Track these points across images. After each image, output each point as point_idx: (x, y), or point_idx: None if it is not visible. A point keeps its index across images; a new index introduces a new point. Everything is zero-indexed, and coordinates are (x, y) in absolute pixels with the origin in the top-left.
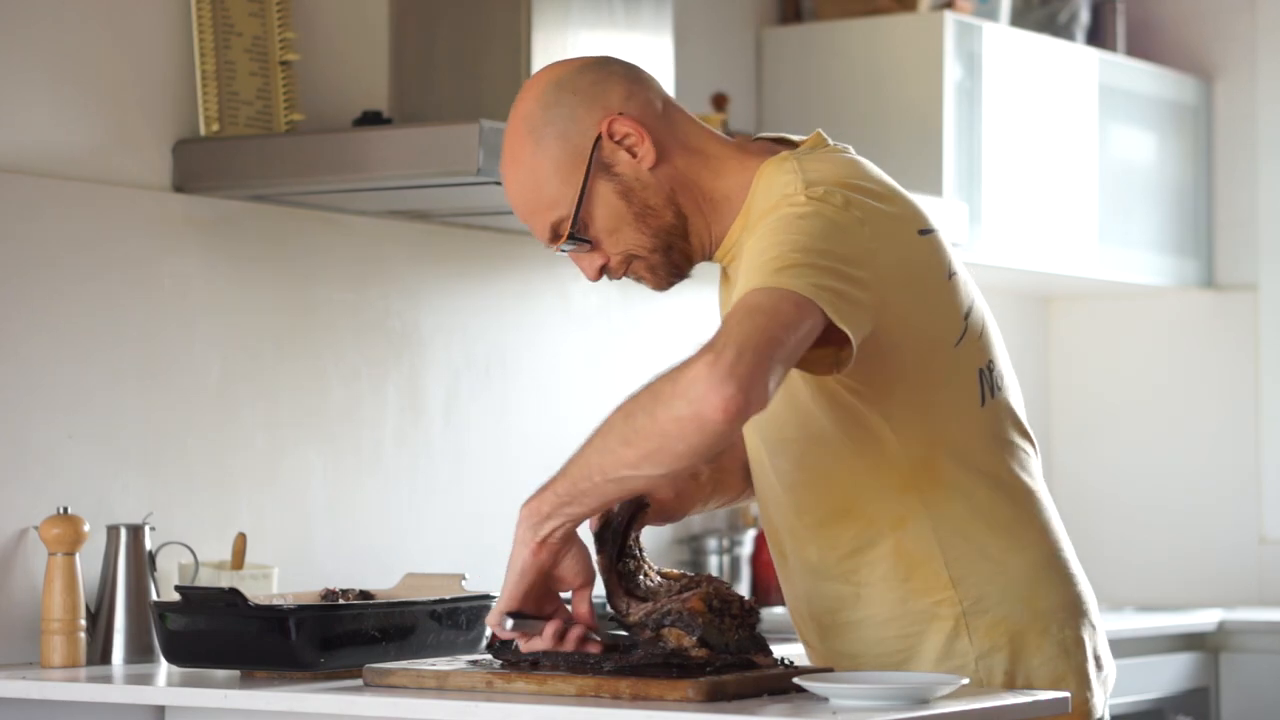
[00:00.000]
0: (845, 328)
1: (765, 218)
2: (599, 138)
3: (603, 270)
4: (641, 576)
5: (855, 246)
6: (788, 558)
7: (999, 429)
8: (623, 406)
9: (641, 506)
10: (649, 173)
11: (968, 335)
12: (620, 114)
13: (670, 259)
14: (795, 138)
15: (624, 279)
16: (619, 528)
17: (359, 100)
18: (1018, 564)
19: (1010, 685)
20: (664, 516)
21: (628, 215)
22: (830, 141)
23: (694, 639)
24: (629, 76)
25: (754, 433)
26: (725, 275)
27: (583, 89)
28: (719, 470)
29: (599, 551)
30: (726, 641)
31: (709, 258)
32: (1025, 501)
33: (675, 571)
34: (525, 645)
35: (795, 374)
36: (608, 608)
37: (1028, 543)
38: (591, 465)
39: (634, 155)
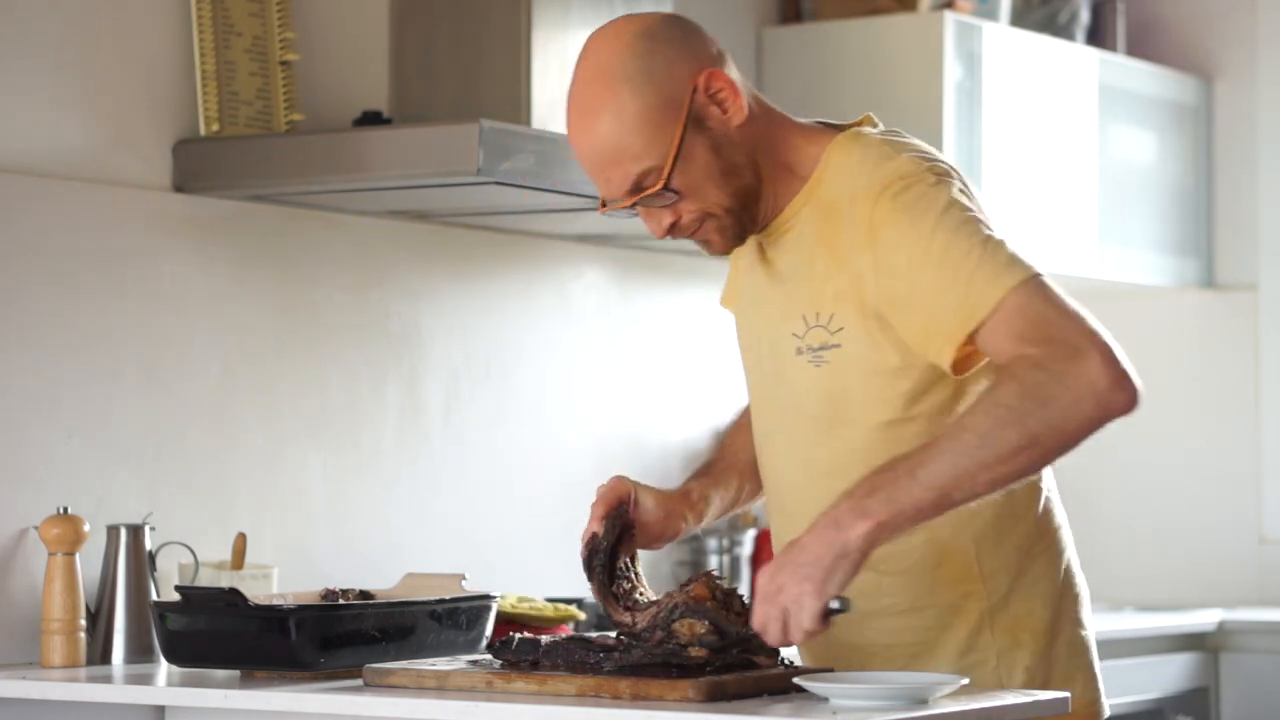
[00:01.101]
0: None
1: (875, 199)
2: (694, 90)
3: (672, 227)
4: (638, 595)
5: (973, 202)
6: None
7: None
8: (988, 415)
9: (626, 529)
10: (736, 130)
11: None
12: (713, 66)
13: (740, 221)
14: (836, 123)
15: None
16: (605, 552)
17: (359, 100)
18: (1043, 561)
19: (1031, 683)
20: (651, 539)
21: (714, 171)
22: (880, 125)
23: (706, 624)
24: (710, 36)
25: (799, 412)
26: (762, 253)
27: (676, 40)
28: (715, 477)
29: (589, 578)
30: (736, 630)
31: (763, 227)
32: (1050, 499)
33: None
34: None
35: (897, 359)
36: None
37: (1051, 540)
38: (961, 476)
39: (724, 111)
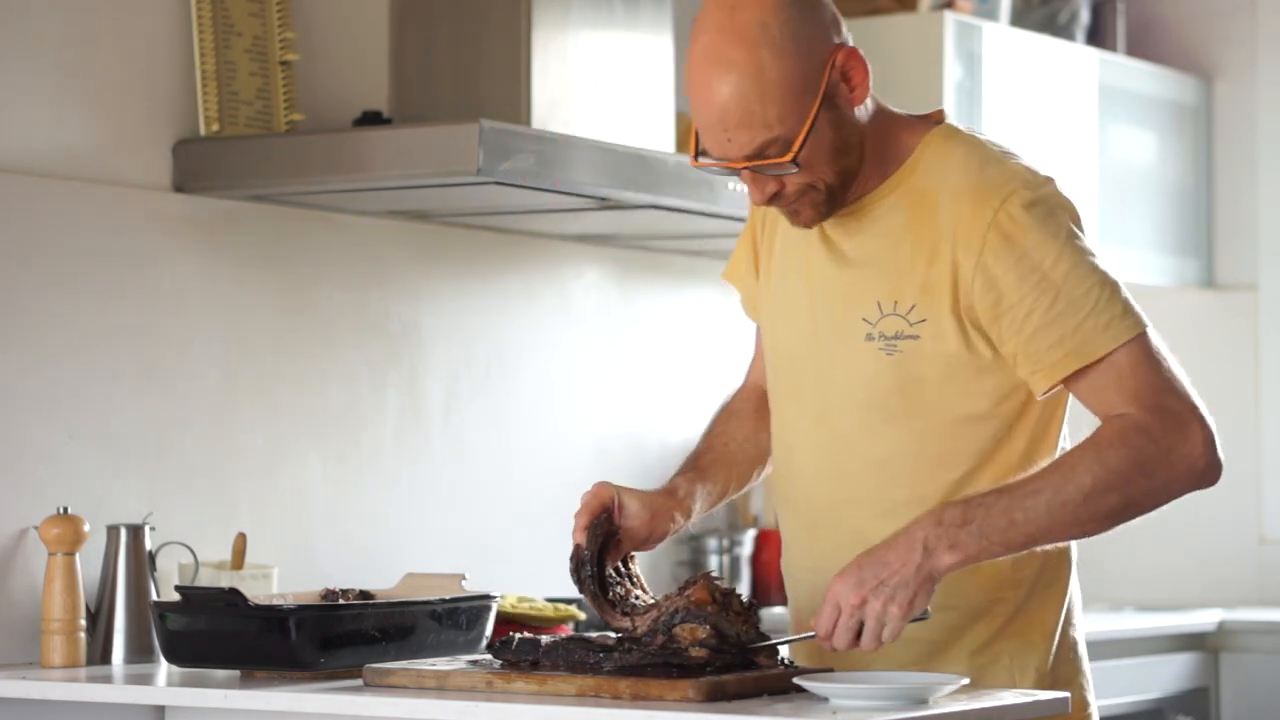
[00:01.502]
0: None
1: (991, 203)
2: (831, 65)
3: (774, 196)
4: (635, 599)
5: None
6: (824, 536)
7: (1060, 429)
8: (1094, 475)
9: (610, 535)
10: (852, 111)
11: None
12: (848, 45)
13: (834, 198)
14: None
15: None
16: (591, 562)
17: (359, 100)
18: (1055, 564)
19: (1040, 683)
20: (638, 542)
21: (832, 149)
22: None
23: (707, 628)
24: (834, 6)
25: (851, 398)
26: (823, 232)
27: (819, 9)
28: (702, 471)
29: (581, 590)
30: (737, 632)
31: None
32: None
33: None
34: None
35: (986, 356)
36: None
37: (1066, 545)
38: (1054, 526)
39: (851, 90)
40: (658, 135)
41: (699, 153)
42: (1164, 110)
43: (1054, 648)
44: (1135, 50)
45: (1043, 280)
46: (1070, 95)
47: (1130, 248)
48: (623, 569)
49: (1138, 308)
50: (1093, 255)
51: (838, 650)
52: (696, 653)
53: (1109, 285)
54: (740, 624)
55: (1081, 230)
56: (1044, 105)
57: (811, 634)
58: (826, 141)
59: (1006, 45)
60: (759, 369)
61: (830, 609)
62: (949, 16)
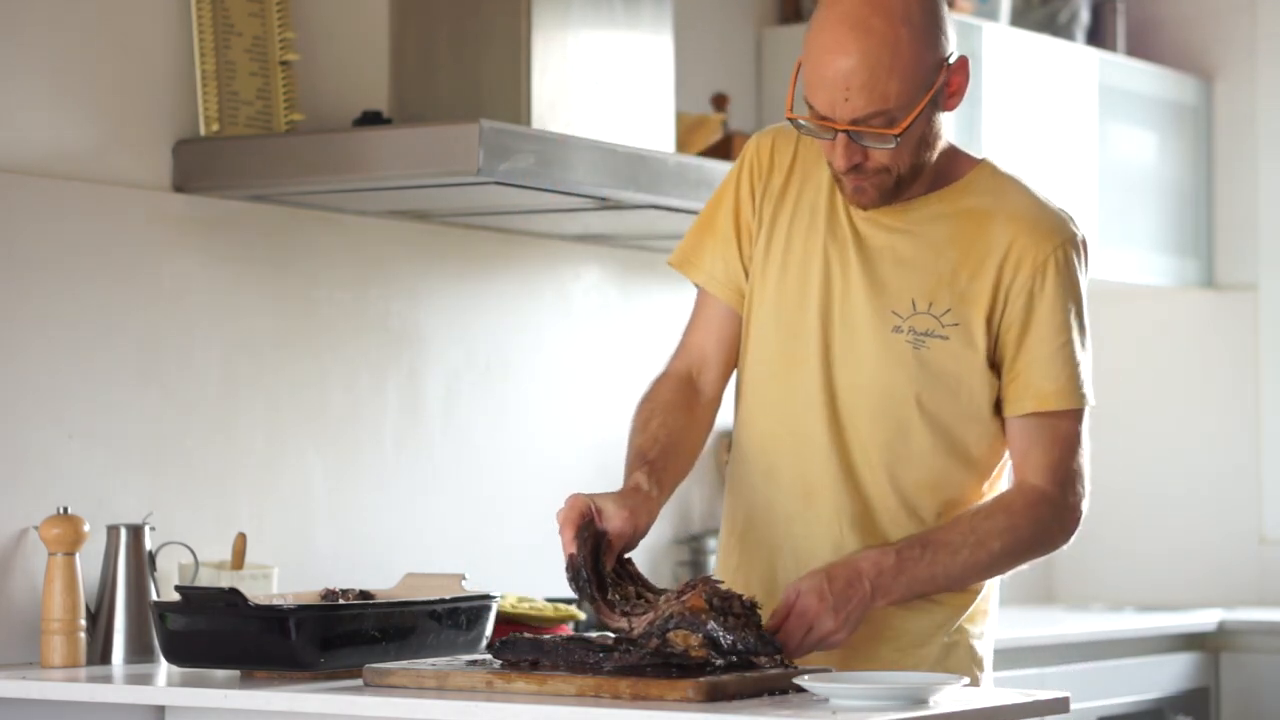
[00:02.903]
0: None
1: (1038, 238)
2: (948, 65)
3: (855, 167)
4: (636, 599)
5: None
6: (823, 504)
7: None
8: (1004, 542)
9: (599, 538)
10: (940, 116)
11: None
12: (963, 56)
13: (900, 188)
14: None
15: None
16: (587, 567)
17: (359, 100)
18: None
19: (983, 663)
20: (625, 540)
21: (918, 140)
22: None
23: (700, 637)
24: None
25: (863, 381)
26: (855, 229)
27: (945, 13)
28: (655, 464)
29: (582, 598)
30: (733, 640)
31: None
32: None
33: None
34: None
35: (991, 368)
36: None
37: None
38: (962, 579)
39: (950, 95)
40: (658, 135)
41: (794, 105)
42: (1164, 110)
43: (988, 630)
44: (1135, 50)
45: (1067, 321)
46: (1070, 95)
47: (1130, 248)
48: (621, 570)
49: (1089, 383)
50: (1086, 323)
51: (788, 653)
52: (697, 652)
53: (1084, 355)
54: (740, 627)
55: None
56: (1044, 105)
57: (774, 644)
58: (919, 133)
59: (1006, 45)
60: (705, 334)
61: (803, 626)
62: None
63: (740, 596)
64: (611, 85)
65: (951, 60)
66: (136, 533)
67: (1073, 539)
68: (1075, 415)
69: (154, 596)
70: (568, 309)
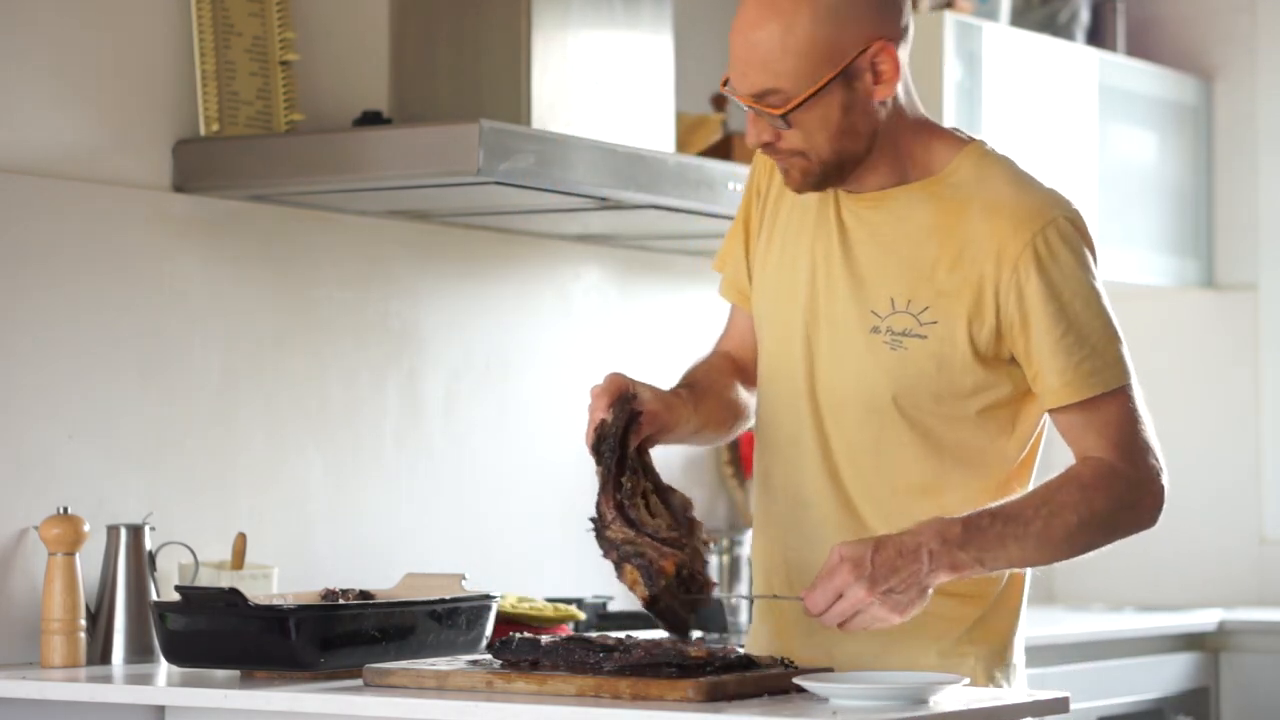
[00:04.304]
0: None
1: (1032, 226)
2: (863, 51)
3: (766, 145)
4: (639, 499)
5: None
6: (812, 516)
7: (1039, 449)
8: (1079, 516)
9: (634, 415)
10: (875, 104)
11: None
12: (890, 41)
13: (827, 176)
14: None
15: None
16: (615, 437)
17: (359, 100)
18: (1017, 580)
19: (996, 684)
20: (657, 426)
21: (833, 127)
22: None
23: (646, 593)
24: (908, 12)
25: (842, 386)
26: (841, 222)
27: (885, 4)
28: (696, 393)
29: (598, 463)
30: (672, 609)
31: (845, 188)
32: None
33: (679, 502)
34: None
35: (970, 358)
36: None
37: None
38: (1037, 556)
39: (876, 82)
40: (658, 135)
41: (727, 81)
42: (1164, 110)
43: (1010, 656)
44: (1135, 50)
45: (1062, 309)
46: (1070, 95)
47: (1130, 248)
48: (638, 460)
49: (1129, 360)
50: (1104, 296)
51: (821, 621)
52: (696, 652)
53: (1111, 330)
54: (684, 608)
55: (1097, 264)
56: (1044, 105)
57: (798, 598)
58: (827, 117)
59: (1006, 45)
60: (731, 340)
61: (832, 592)
62: (949, 16)
63: (707, 583)
64: (611, 85)
65: (873, 45)
66: (136, 533)
67: (1158, 519)
68: (1115, 395)
69: (154, 596)
70: (568, 309)
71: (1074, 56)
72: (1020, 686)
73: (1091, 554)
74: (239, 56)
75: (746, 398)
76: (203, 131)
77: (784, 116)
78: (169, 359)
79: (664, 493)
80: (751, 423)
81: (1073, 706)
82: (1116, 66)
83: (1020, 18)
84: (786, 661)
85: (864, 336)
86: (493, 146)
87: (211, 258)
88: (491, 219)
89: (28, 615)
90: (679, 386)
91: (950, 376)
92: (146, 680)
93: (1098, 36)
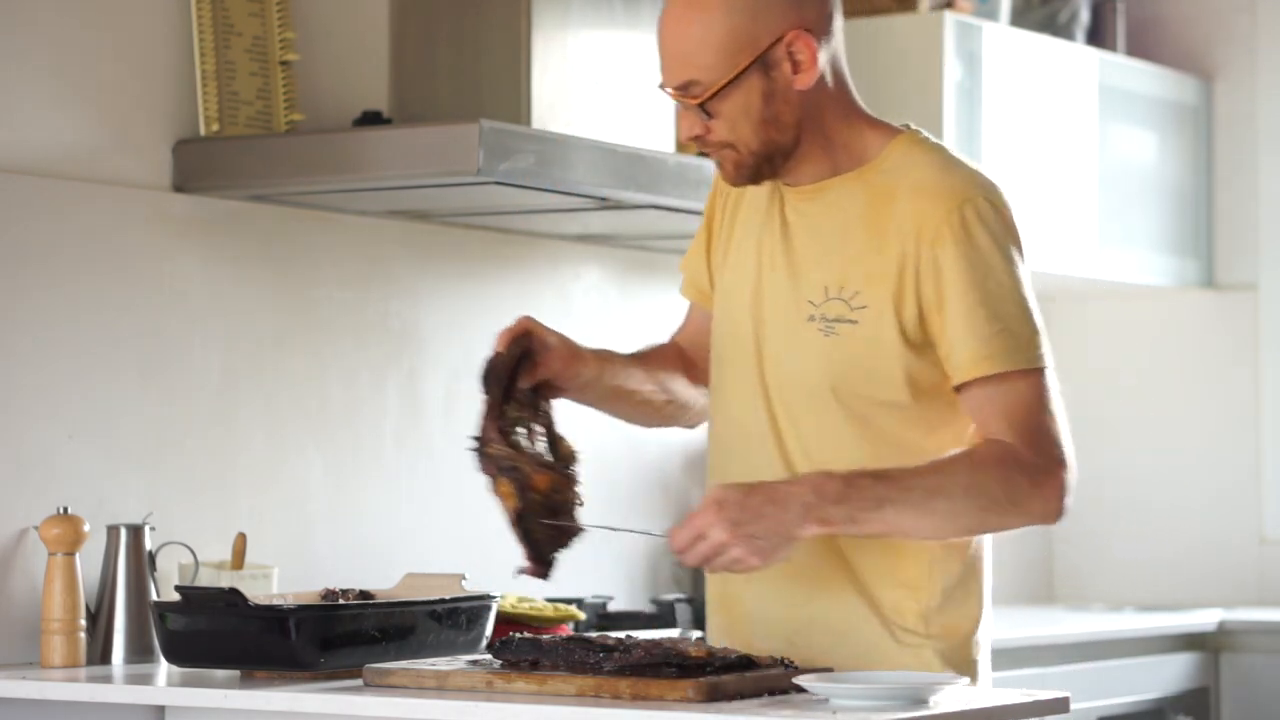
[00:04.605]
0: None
1: (951, 203)
2: (779, 40)
3: (696, 139)
4: (523, 429)
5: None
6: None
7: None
8: (965, 491)
9: (528, 353)
10: (796, 93)
11: None
12: (808, 31)
13: (759, 168)
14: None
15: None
16: (504, 372)
17: (359, 100)
18: (969, 577)
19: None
20: (554, 372)
21: (756, 115)
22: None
23: (517, 504)
24: (832, 2)
25: (790, 378)
26: (783, 217)
27: None
28: (629, 362)
29: (485, 392)
30: (534, 533)
31: (785, 181)
32: None
33: (565, 450)
34: None
35: (902, 343)
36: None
37: (978, 559)
38: (916, 528)
39: (795, 71)
40: (658, 135)
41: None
42: (1164, 110)
43: (973, 653)
44: (1135, 50)
45: (976, 285)
46: (1070, 95)
47: (1130, 248)
48: (536, 402)
49: (1047, 348)
50: (1025, 282)
51: (683, 560)
52: (697, 652)
53: (1028, 314)
54: (544, 531)
55: (1022, 256)
56: (1044, 105)
57: (660, 535)
58: (749, 106)
59: (1006, 45)
60: (684, 335)
61: (693, 532)
62: (949, 16)
63: (570, 523)
64: (611, 85)
65: (788, 34)
66: (136, 533)
67: (1062, 512)
68: (1027, 376)
69: (154, 596)
70: (568, 309)
71: (1074, 56)
72: (984, 686)
73: (990, 534)
74: (239, 56)
75: (686, 388)
76: (203, 131)
77: (704, 106)
78: (169, 359)
79: (554, 440)
80: (692, 417)
81: (1073, 706)
82: (1116, 66)
83: (1020, 18)
84: (786, 661)
85: (802, 325)
86: (493, 146)
87: (211, 258)
88: (491, 219)
89: (28, 615)
90: (605, 349)
91: (882, 363)
92: (146, 680)
93: (1098, 36)
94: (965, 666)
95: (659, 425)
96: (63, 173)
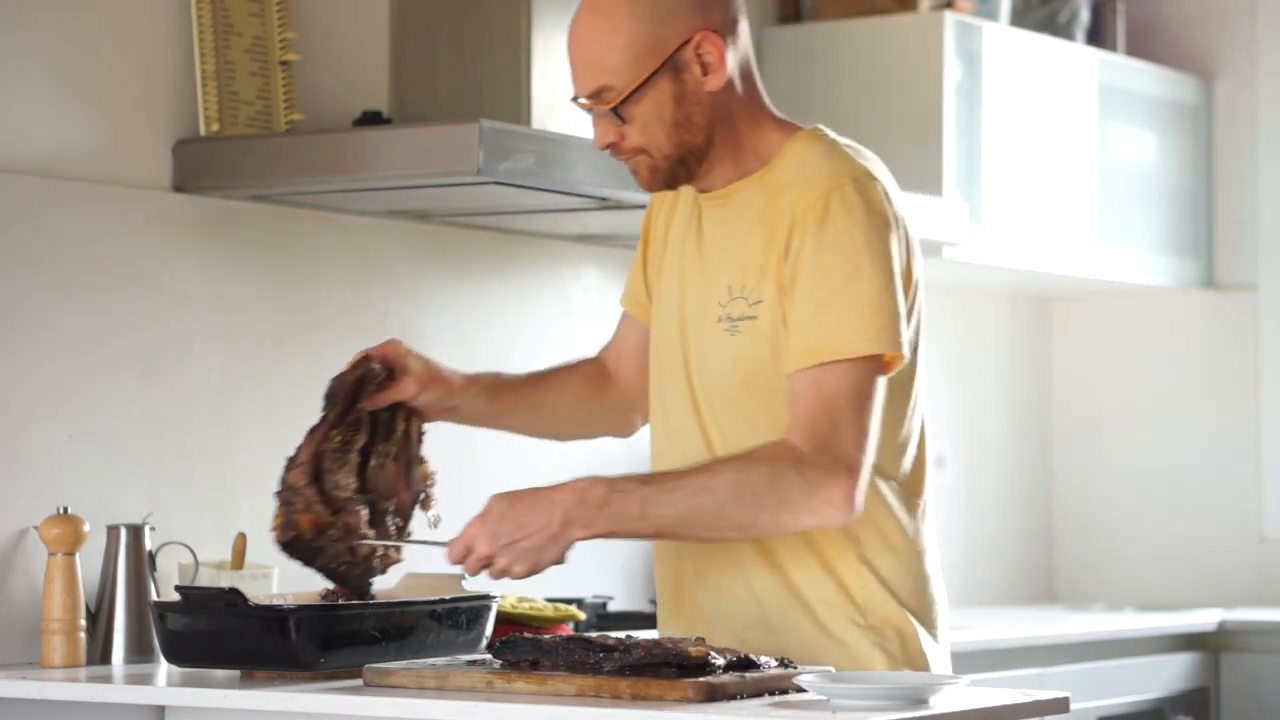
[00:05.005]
0: (905, 356)
1: (825, 192)
2: (686, 42)
3: (611, 145)
4: (354, 456)
5: (899, 255)
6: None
7: (910, 421)
8: (731, 488)
9: (371, 375)
10: (707, 94)
11: (919, 341)
12: (714, 33)
13: (674, 171)
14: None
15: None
16: (343, 395)
17: (359, 100)
18: (900, 577)
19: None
20: (408, 393)
21: (668, 118)
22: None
23: (276, 537)
24: (736, 6)
25: (707, 379)
26: (699, 224)
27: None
28: (513, 387)
29: (322, 411)
30: (312, 561)
31: (700, 188)
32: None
33: (415, 479)
34: None
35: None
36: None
37: (913, 561)
38: (683, 528)
39: (704, 73)
40: None
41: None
42: (1164, 110)
43: (919, 645)
44: (1135, 50)
45: (824, 275)
46: (1070, 95)
47: (1130, 248)
48: (391, 424)
49: (898, 336)
50: (887, 273)
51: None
52: (697, 651)
53: (877, 304)
54: (328, 559)
55: (895, 244)
56: (1044, 105)
57: (440, 544)
58: (660, 109)
59: (1006, 45)
60: (610, 349)
61: (462, 547)
62: (949, 16)
63: (329, 554)
64: None
65: (695, 37)
66: (136, 533)
67: (849, 513)
68: (848, 369)
69: (154, 596)
70: (568, 309)
71: (1074, 56)
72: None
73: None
74: (239, 56)
75: (600, 403)
76: (203, 131)
77: (616, 111)
78: (169, 359)
79: (410, 462)
80: (612, 428)
81: (1073, 706)
82: (1116, 67)
83: (1020, 18)
84: (786, 661)
85: (713, 327)
86: (493, 146)
87: (211, 258)
88: (491, 219)
89: (28, 615)
90: (483, 373)
91: (783, 355)
92: (146, 680)
93: (1098, 36)
94: (913, 659)
95: (569, 439)
96: (63, 173)
